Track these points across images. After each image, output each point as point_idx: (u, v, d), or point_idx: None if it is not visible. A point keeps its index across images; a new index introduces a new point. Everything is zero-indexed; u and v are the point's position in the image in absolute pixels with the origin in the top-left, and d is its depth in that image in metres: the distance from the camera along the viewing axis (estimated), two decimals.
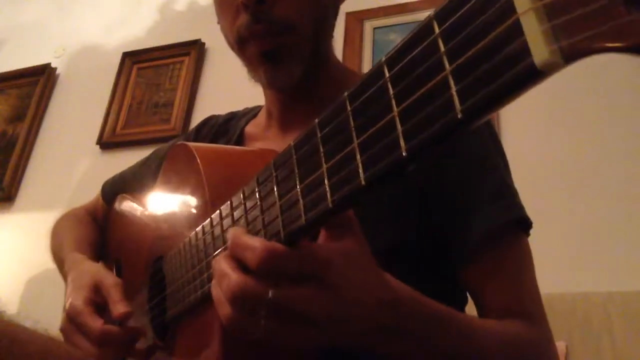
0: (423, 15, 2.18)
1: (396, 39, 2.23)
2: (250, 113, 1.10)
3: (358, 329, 0.52)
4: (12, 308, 2.19)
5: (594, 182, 1.71)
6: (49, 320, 0.90)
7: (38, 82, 2.85)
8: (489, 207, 0.77)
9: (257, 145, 0.98)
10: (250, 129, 1.04)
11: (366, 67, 2.20)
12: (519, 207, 0.79)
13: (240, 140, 1.03)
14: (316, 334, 0.51)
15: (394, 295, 0.55)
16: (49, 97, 2.85)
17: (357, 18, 2.29)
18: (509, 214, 0.77)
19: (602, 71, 1.71)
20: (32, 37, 3.06)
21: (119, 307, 0.84)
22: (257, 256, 0.48)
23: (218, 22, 1.00)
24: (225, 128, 1.08)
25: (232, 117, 1.12)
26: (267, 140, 0.97)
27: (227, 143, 1.04)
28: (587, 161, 1.75)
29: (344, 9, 0.96)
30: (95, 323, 0.83)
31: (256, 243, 0.49)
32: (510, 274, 0.77)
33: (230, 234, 0.53)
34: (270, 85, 0.89)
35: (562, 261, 1.53)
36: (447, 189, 0.79)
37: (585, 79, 1.74)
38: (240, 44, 0.87)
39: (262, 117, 1.04)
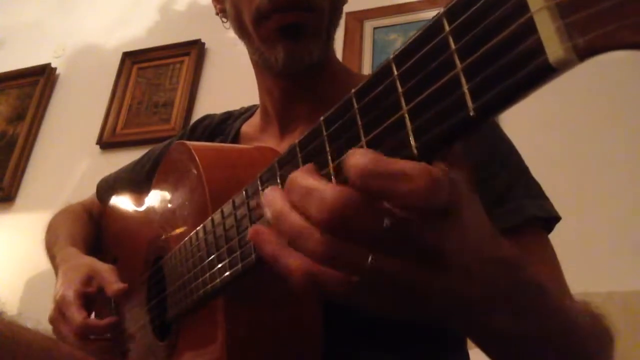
0: (423, 15, 2.19)
1: (396, 39, 2.23)
2: (247, 113, 1.09)
3: (478, 289, 0.41)
4: (12, 308, 2.17)
5: (593, 182, 1.71)
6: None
7: (38, 82, 2.85)
8: (490, 214, 0.73)
9: (253, 145, 0.97)
10: (246, 129, 1.03)
11: (366, 67, 2.19)
12: (522, 209, 0.75)
13: (235, 140, 1.02)
14: (439, 282, 0.39)
15: (508, 254, 0.45)
16: (49, 97, 2.84)
17: (357, 18, 2.29)
18: (511, 219, 0.73)
19: (604, 68, 1.71)
20: (32, 37, 3.06)
21: (113, 286, 0.87)
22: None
23: (218, 13, 0.98)
24: (221, 128, 1.08)
25: (228, 117, 1.11)
26: (264, 141, 0.96)
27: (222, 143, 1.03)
28: (587, 160, 1.75)
29: (344, 9, 0.96)
30: (79, 315, 0.85)
31: (324, 190, 0.37)
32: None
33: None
34: (286, 63, 0.85)
35: (561, 261, 1.53)
36: None
37: (587, 76, 1.74)
38: (257, 21, 0.85)
39: (257, 117, 1.03)
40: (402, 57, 0.36)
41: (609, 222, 1.64)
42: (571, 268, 1.55)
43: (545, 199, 0.80)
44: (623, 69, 1.73)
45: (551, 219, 0.78)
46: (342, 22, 0.95)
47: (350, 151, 0.37)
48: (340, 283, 0.39)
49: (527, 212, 0.75)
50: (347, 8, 0.96)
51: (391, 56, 0.37)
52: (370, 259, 0.37)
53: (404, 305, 0.41)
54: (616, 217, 1.64)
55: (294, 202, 0.40)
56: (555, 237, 0.82)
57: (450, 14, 0.32)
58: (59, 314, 0.88)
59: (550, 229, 0.80)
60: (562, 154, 1.78)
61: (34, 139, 2.74)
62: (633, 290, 1.48)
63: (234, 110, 1.14)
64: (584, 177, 1.72)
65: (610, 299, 1.46)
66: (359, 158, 0.36)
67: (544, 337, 0.50)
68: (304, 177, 0.40)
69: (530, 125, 1.76)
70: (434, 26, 0.33)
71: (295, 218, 0.40)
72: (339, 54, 2.14)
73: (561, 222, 0.80)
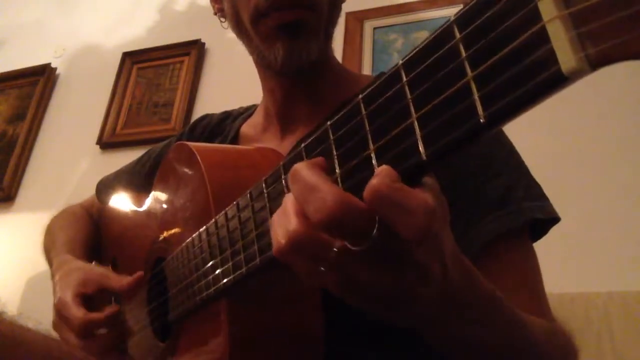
0: (423, 15, 2.19)
1: (396, 38, 2.22)
2: (246, 113, 1.08)
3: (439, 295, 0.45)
4: (12, 308, 2.17)
5: (594, 182, 1.71)
6: (49, 320, 0.90)
7: (38, 82, 2.84)
8: (490, 215, 0.74)
9: (254, 146, 0.97)
10: (246, 129, 1.03)
11: (366, 67, 2.19)
12: (522, 212, 0.75)
13: (235, 140, 1.01)
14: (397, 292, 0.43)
15: (470, 267, 0.49)
16: (49, 97, 2.84)
17: (357, 18, 2.29)
18: (511, 221, 0.74)
19: (605, 68, 1.71)
20: (32, 37, 3.06)
21: (123, 281, 0.87)
22: (327, 208, 0.38)
23: (216, 13, 0.98)
24: (220, 128, 1.07)
25: (227, 116, 1.11)
26: (265, 141, 0.96)
27: (222, 143, 1.02)
28: (587, 160, 1.75)
29: (344, 9, 0.95)
30: (78, 313, 0.84)
31: (327, 192, 0.39)
32: (519, 279, 0.74)
33: (300, 171, 0.42)
34: (285, 61, 0.84)
35: (562, 261, 1.53)
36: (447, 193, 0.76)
37: (588, 76, 1.74)
38: (256, 19, 0.84)
39: (258, 116, 1.03)
40: (411, 63, 0.36)
41: (609, 222, 1.64)
42: (571, 268, 1.56)
43: (546, 200, 0.80)
44: (624, 69, 1.73)
45: (551, 220, 0.78)
46: (342, 22, 0.95)
47: (378, 170, 0.38)
48: (307, 271, 0.43)
49: (528, 214, 0.75)
50: (347, 8, 0.96)
51: (400, 62, 0.37)
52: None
53: (377, 300, 0.44)
54: (616, 217, 1.64)
55: (295, 195, 0.42)
56: (556, 237, 0.82)
57: (461, 21, 0.32)
58: (59, 318, 0.88)
59: (547, 230, 0.80)
60: (562, 154, 1.78)
61: (34, 139, 2.74)
62: (633, 290, 1.48)
63: (233, 110, 1.13)
64: (584, 177, 1.72)
65: (610, 299, 1.47)
66: (378, 179, 0.37)
67: (495, 345, 0.53)
68: (289, 196, 0.43)
69: (530, 125, 1.76)
70: (444, 33, 0.33)
71: (289, 199, 0.43)
72: (338, 54, 2.14)
73: (561, 222, 0.80)
